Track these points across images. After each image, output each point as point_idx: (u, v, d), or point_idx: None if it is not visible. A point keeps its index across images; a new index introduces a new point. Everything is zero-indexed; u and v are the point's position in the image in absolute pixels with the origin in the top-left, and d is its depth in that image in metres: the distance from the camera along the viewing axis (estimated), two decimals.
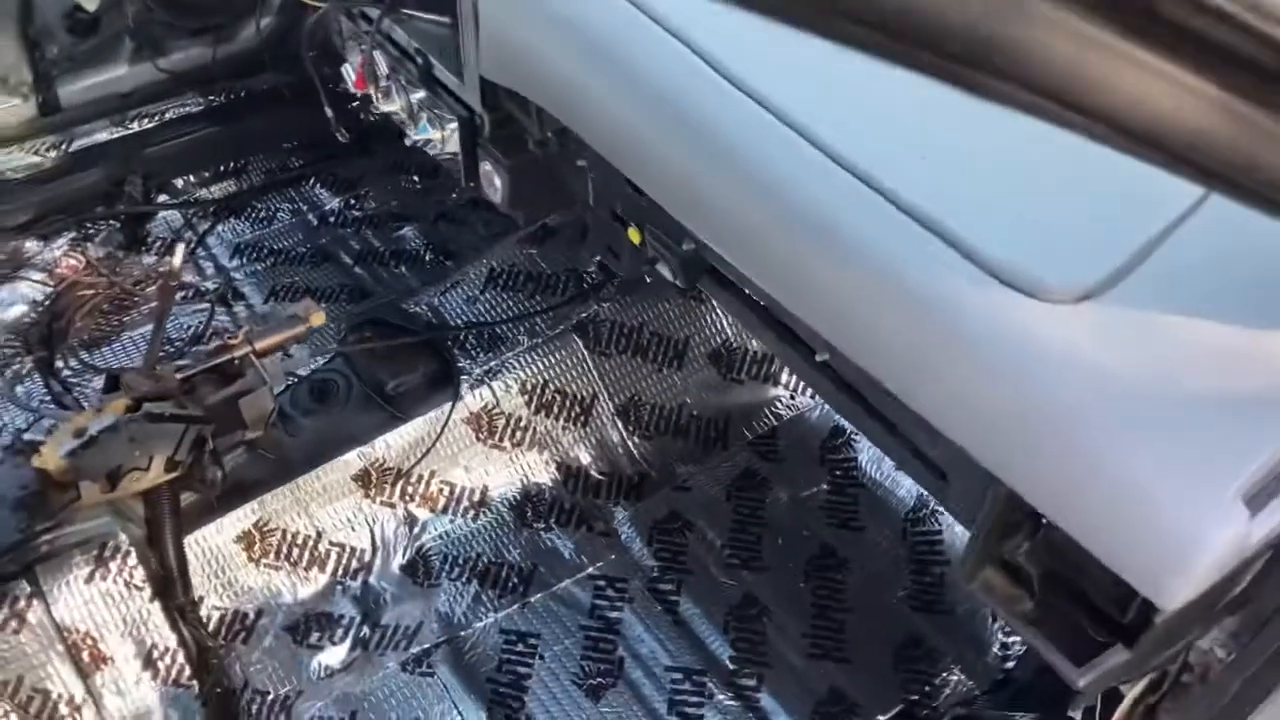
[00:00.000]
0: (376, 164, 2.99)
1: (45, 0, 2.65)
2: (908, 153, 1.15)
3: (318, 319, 2.05)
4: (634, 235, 1.52)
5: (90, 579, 1.88)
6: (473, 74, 1.61)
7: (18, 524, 1.85)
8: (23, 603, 1.85)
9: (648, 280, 2.25)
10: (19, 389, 2.35)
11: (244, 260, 2.74)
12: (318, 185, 2.94)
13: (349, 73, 2.00)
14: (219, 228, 2.81)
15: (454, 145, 1.74)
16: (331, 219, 2.87)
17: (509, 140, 1.67)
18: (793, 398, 2.40)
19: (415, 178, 2.97)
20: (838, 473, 2.30)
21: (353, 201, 2.92)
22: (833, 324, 1.18)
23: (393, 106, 1.90)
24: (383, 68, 1.87)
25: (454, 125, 1.71)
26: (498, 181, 1.69)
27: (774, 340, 1.55)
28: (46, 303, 2.55)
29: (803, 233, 1.15)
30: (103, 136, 2.83)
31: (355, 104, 3.04)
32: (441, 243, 2.75)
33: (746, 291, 1.56)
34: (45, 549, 1.86)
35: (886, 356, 1.14)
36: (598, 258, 2.27)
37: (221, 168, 2.93)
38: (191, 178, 2.90)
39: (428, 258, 2.73)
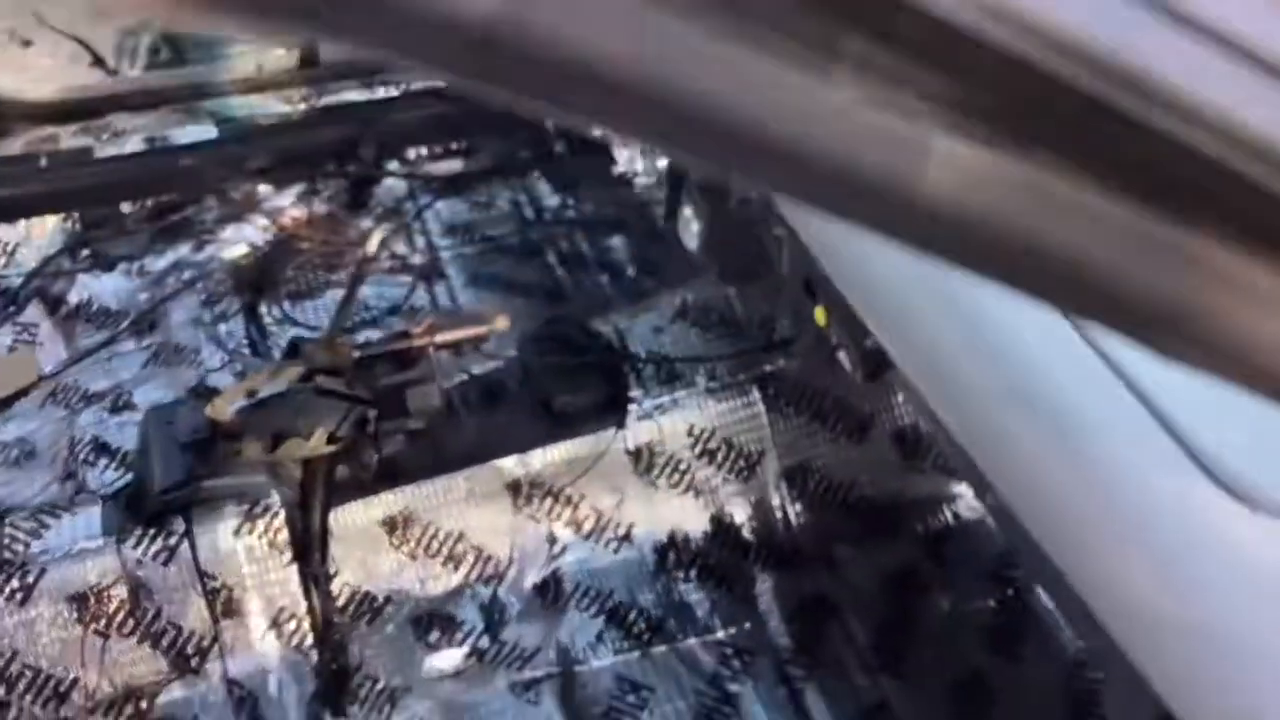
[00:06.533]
0: (600, 165, 2.97)
1: None
2: None
3: (502, 323, 2.04)
4: (820, 315, 1.42)
5: (238, 531, 1.93)
6: None
7: (185, 465, 1.92)
8: (175, 539, 1.92)
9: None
10: (221, 327, 2.45)
11: (455, 240, 2.77)
12: (540, 179, 2.94)
13: None
14: (438, 204, 2.85)
15: (660, 183, 1.68)
16: (547, 215, 2.87)
17: (714, 190, 1.59)
18: (976, 499, 2.21)
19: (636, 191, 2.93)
20: (1009, 592, 2.11)
21: (570, 201, 2.90)
22: (1007, 475, 1.05)
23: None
24: None
25: (664, 164, 1.64)
26: (694, 228, 1.62)
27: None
28: (265, 249, 2.65)
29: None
30: (349, 96, 2.93)
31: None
32: (647, 260, 2.69)
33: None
34: (204, 494, 1.92)
35: (1056, 518, 0.99)
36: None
37: (452, 146, 2.97)
38: (423, 150, 2.95)
39: (630, 272, 2.68)
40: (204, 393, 2.15)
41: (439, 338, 1.98)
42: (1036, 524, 1.01)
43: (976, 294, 1.08)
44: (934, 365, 1.16)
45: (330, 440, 1.91)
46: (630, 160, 1.74)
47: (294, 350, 1.91)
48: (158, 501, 1.91)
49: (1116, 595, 0.95)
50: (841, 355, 1.41)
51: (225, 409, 1.85)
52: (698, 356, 2.18)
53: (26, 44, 2.68)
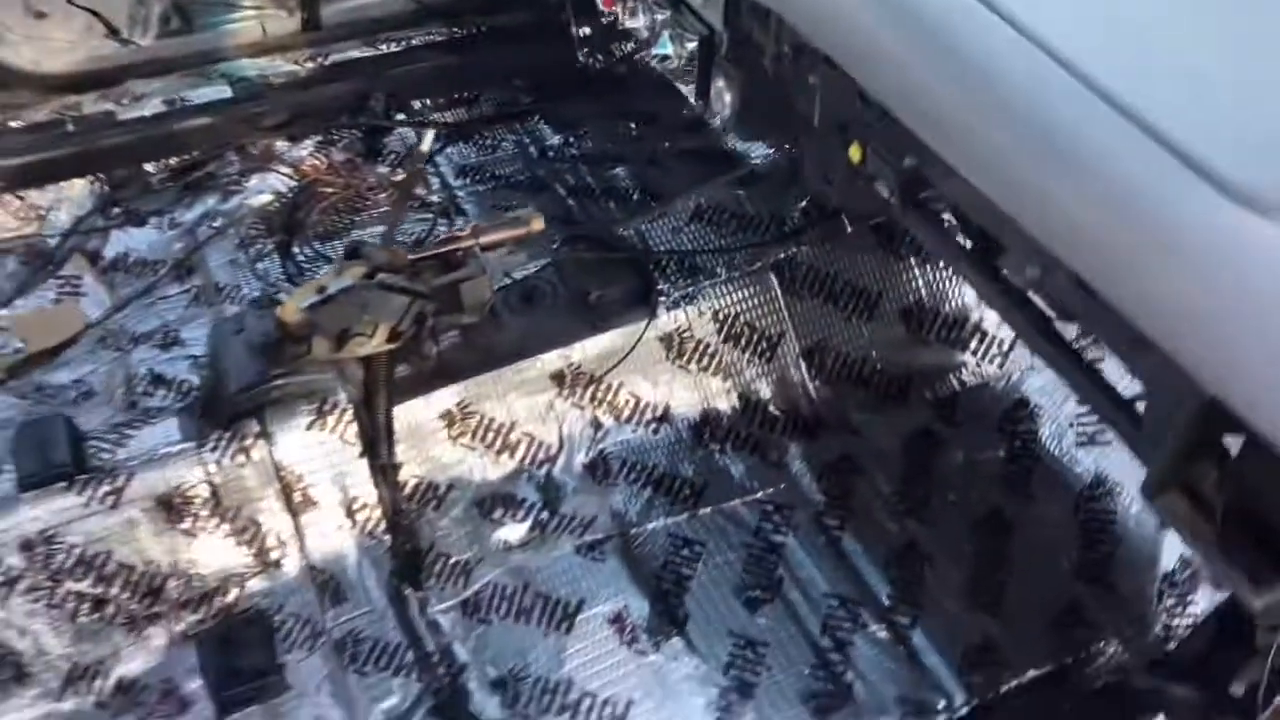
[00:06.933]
0: (597, 108, 3.14)
1: None
2: (1140, 63, 1.19)
3: (538, 224, 2.20)
4: (855, 152, 1.59)
5: (310, 428, 2.07)
6: None
7: (257, 368, 2.05)
8: (250, 440, 2.05)
9: (849, 229, 2.33)
10: (259, 265, 2.59)
11: (468, 181, 2.93)
12: (541, 121, 3.11)
13: None
14: (448, 150, 3.00)
15: (691, 62, 1.85)
16: (551, 153, 3.03)
17: (744, 59, 1.76)
18: (979, 366, 2.42)
19: (632, 125, 3.10)
20: (1016, 443, 2.32)
21: (572, 140, 3.07)
22: (1050, 227, 1.23)
23: (636, 24, 2.03)
24: None
25: (694, 43, 1.82)
26: (727, 98, 1.80)
27: (973, 271, 1.60)
28: (290, 195, 2.79)
29: (1027, 134, 1.20)
30: (354, 54, 3.09)
31: (585, 50, 3.23)
32: (650, 185, 2.86)
33: (948, 226, 1.62)
34: (276, 395, 2.06)
35: (1106, 260, 1.18)
36: (802, 204, 2.35)
37: (456, 95, 3.13)
38: (428, 101, 3.11)
39: (636, 197, 2.84)
40: (267, 304, 2.29)
41: (483, 239, 2.13)
42: (1076, 260, 1.19)
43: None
44: (947, 123, 1.32)
45: (392, 337, 2.06)
46: (661, 45, 1.90)
47: (354, 252, 2.05)
48: (233, 404, 2.05)
49: (1153, 307, 1.13)
50: (879, 184, 1.58)
51: (294, 309, 1.99)
52: (716, 249, 2.35)
53: (40, 16, 2.79)
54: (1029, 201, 1.23)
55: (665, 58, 1.96)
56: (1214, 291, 1.07)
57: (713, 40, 1.81)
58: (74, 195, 2.81)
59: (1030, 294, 1.47)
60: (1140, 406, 1.42)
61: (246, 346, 2.07)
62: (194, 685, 1.96)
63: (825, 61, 1.53)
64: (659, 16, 1.94)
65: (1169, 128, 1.13)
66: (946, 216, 1.68)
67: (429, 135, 2.09)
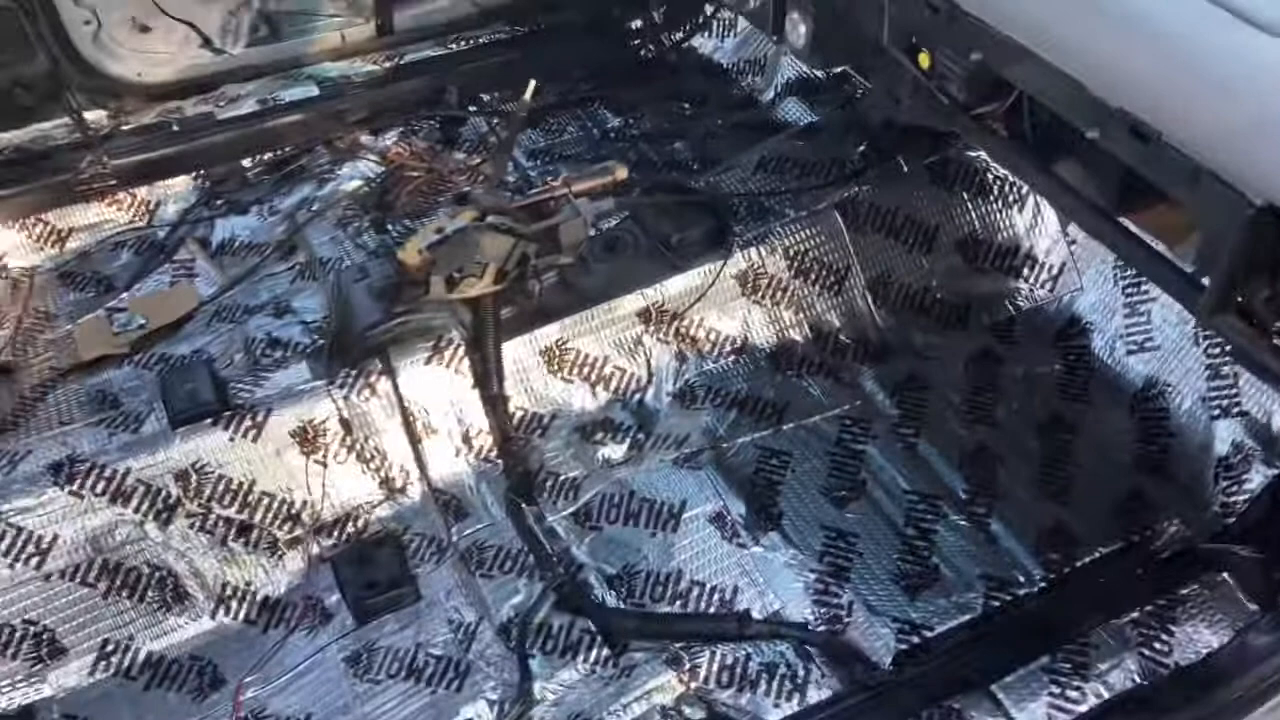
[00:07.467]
0: (652, 93, 3.37)
1: None
2: None
3: (621, 172, 2.42)
4: (924, 59, 1.80)
5: (428, 363, 2.28)
6: None
7: (381, 307, 2.27)
8: (374, 377, 2.26)
9: (905, 169, 2.54)
10: (361, 239, 2.81)
11: (538, 163, 3.15)
12: (601, 107, 3.35)
13: None
14: (518, 136, 3.23)
15: (765, 3, 2.07)
16: (613, 135, 3.26)
17: None
18: (1031, 290, 2.61)
19: (685, 105, 3.33)
20: (1071, 356, 2.50)
21: (631, 121, 3.30)
22: (1112, 81, 1.43)
23: None
24: None
25: None
26: (801, 28, 2.01)
27: (1034, 170, 1.80)
28: (379, 180, 3.02)
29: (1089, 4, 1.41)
30: (427, 53, 3.33)
31: (636, 42, 3.49)
32: (709, 156, 3.08)
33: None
34: (398, 332, 2.27)
35: (1162, 100, 1.37)
36: (860, 148, 2.56)
37: (522, 87, 3.36)
38: (497, 93, 3.34)
39: (695, 168, 3.07)
40: (383, 252, 2.51)
41: (575, 187, 2.35)
42: (1136, 105, 1.38)
43: None
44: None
45: (498, 278, 2.27)
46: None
47: (463, 199, 2.27)
48: (361, 342, 2.26)
49: (1204, 133, 1.32)
50: (950, 86, 1.77)
51: (414, 250, 2.20)
52: (784, 191, 2.56)
53: (145, 30, 3.05)
54: (1093, 62, 1.43)
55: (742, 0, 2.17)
56: (1257, 107, 1.26)
57: None
58: (179, 190, 3.05)
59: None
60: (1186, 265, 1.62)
61: (369, 290, 2.29)
62: (333, 599, 2.15)
63: None
64: None
65: None
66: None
67: (531, 86, 2.30)
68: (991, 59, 1.66)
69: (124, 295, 2.77)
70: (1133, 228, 1.83)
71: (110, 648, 2.05)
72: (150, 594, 2.10)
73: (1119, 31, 1.37)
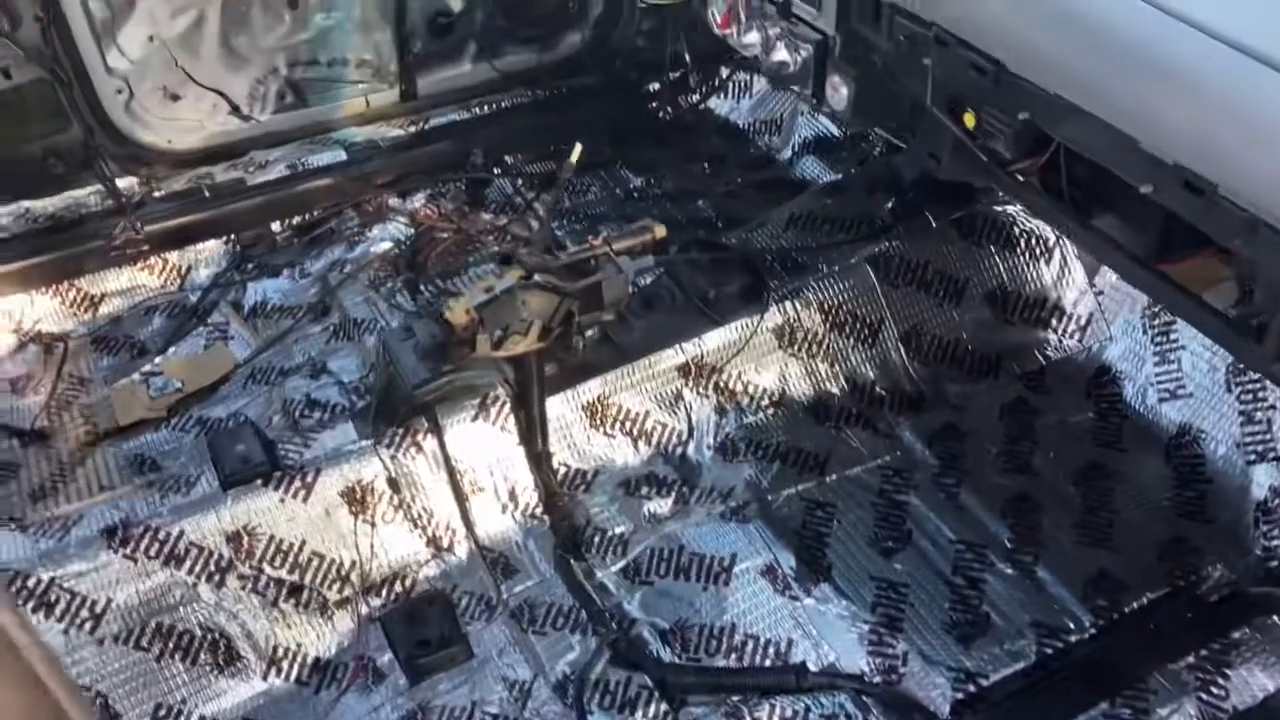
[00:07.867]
0: (671, 153, 3.45)
1: (415, 4, 3.25)
2: None
3: (660, 231, 2.45)
4: (970, 119, 1.86)
5: (474, 420, 2.30)
6: (830, 3, 2.01)
7: (427, 366, 2.29)
8: (421, 435, 2.28)
9: (933, 224, 2.60)
10: (396, 299, 2.84)
11: (563, 222, 3.21)
12: (623, 168, 3.41)
13: (714, 15, 2.44)
14: (543, 196, 3.29)
15: (805, 66, 2.13)
16: (635, 194, 3.33)
17: (854, 57, 2.04)
18: (1060, 341, 2.66)
19: (705, 164, 3.41)
20: (1103, 405, 2.54)
21: (652, 181, 3.37)
22: (1165, 136, 1.48)
23: (752, 39, 2.32)
24: (743, 9, 2.31)
25: (809, 48, 2.10)
26: (843, 91, 2.07)
27: (1070, 221, 1.85)
28: (408, 241, 3.06)
29: (1141, 65, 1.47)
30: (451, 117, 3.40)
31: (654, 104, 3.57)
32: (730, 214, 3.14)
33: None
34: (445, 390, 2.29)
35: (1216, 153, 1.43)
36: (889, 204, 2.62)
37: (545, 150, 3.43)
38: (520, 155, 3.41)
39: (720, 224, 3.13)
40: (424, 312, 2.53)
41: (615, 245, 2.39)
42: (1190, 159, 1.44)
43: None
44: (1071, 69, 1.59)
45: (542, 336, 2.30)
46: (777, 54, 2.18)
47: (507, 259, 2.30)
48: (409, 401, 2.27)
49: (1256, 185, 1.38)
50: (995, 143, 1.83)
51: (461, 310, 2.23)
52: (817, 247, 2.61)
53: (176, 99, 3.10)
54: (1144, 117, 1.49)
55: (783, 64, 2.24)
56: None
57: (826, 44, 2.09)
58: (210, 255, 3.08)
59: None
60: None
61: (416, 349, 2.31)
62: (385, 658, 2.15)
63: (937, 42, 1.80)
64: (772, 31, 2.23)
65: (1251, 41, 1.40)
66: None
67: (576, 149, 2.34)
68: (1040, 117, 1.72)
69: (158, 359, 2.79)
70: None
71: (164, 712, 2.04)
72: (203, 656, 2.09)
73: (1169, 87, 1.43)
